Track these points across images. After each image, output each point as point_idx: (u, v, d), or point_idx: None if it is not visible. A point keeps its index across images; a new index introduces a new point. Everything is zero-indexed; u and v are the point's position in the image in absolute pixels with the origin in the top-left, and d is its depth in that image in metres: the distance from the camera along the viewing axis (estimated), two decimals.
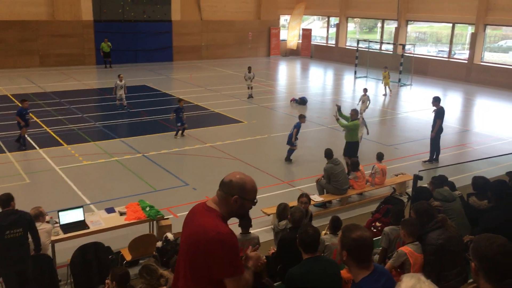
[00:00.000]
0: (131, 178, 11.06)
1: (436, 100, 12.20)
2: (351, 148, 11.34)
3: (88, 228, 7.16)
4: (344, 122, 11.57)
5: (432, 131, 12.26)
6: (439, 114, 12.13)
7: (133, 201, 8.29)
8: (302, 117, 12.50)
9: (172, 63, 29.44)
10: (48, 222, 6.98)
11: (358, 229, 3.04)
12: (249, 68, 19.76)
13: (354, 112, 11.48)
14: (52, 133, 14.21)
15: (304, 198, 7.23)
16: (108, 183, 10.75)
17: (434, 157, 12.40)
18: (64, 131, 14.51)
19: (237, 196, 3.00)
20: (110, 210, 7.79)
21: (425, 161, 12.40)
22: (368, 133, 13.38)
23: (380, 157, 10.56)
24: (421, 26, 29.63)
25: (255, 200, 3.09)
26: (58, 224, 7.10)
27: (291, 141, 12.18)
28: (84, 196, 9.97)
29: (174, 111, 14.28)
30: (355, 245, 2.95)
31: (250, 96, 19.78)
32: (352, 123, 11.34)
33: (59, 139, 13.72)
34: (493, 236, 2.55)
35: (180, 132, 14.25)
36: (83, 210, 7.42)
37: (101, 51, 26.65)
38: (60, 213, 7.17)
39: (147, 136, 14.39)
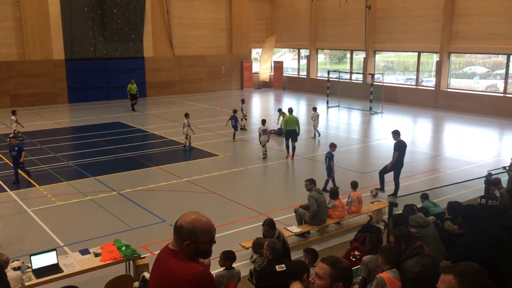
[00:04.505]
0: (106, 217, 10.85)
1: (396, 134, 12.15)
2: (291, 134, 15.52)
3: (62, 271, 6.94)
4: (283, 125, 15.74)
5: (389, 163, 12.07)
6: (398, 146, 11.99)
7: (108, 241, 8.11)
8: (332, 146, 12.70)
9: (146, 99, 29.41)
10: (19, 267, 6.75)
11: (342, 259, 3.11)
12: (242, 101, 21.40)
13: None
14: (23, 174, 13.88)
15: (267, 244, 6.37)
16: (82, 224, 10.50)
17: (393, 192, 12.01)
18: (35, 172, 14.17)
19: (188, 242, 2.94)
20: (84, 252, 7.59)
21: (389, 195, 11.96)
22: (266, 140, 15.72)
23: (354, 185, 10.68)
24: (389, 55, 30.55)
25: (213, 241, 3.00)
26: (30, 269, 6.87)
27: (331, 174, 12.33)
28: (57, 238, 9.70)
29: None
30: (350, 275, 3.02)
31: (243, 128, 20.14)
32: (284, 120, 15.98)
33: (30, 180, 13.41)
34: (475, 265, 2.64)
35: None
36: (56, 253, 7.21)
37: (128, 94, 25.49)
38: (33, 257, 6.94)
39: (122, 173, 14.21)
